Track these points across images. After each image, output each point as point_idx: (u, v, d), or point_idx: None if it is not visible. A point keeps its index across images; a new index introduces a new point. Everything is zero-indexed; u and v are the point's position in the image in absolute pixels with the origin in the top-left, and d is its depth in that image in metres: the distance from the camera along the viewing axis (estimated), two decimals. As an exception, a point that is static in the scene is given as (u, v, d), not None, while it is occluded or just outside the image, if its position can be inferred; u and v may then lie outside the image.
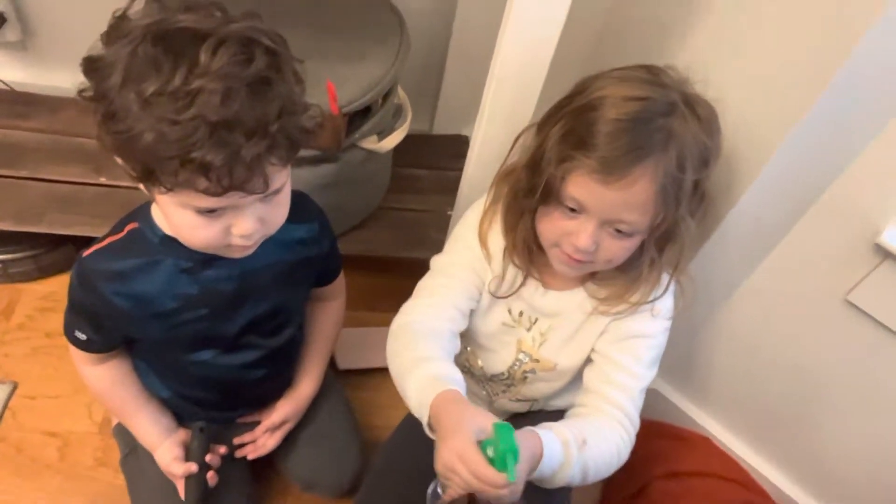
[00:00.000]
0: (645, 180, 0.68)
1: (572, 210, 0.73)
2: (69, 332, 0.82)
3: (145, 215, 0.75)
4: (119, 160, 0.65)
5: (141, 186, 0.66)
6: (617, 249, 0.74)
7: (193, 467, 0.86)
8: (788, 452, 1.11)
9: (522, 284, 0.84)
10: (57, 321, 1.14)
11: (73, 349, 0.84)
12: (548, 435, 0.70)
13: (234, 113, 0.57)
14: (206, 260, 0.75)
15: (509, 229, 0.82)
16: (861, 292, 0.87)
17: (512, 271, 0.84)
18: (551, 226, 0.76)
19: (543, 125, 0.77)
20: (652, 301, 0.81)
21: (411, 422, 0.91)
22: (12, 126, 1.26)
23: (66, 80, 1.29)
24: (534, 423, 0.74)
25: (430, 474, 0.69)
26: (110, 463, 1.08)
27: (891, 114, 0.76)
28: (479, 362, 0.93)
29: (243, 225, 0.66)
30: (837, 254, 0.88)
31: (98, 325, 0.79)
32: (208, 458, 0.88)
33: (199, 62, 0.57)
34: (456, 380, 0.72)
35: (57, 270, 1.28)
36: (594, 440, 0.74)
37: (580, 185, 0.70)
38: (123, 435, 1.01)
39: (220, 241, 0.68)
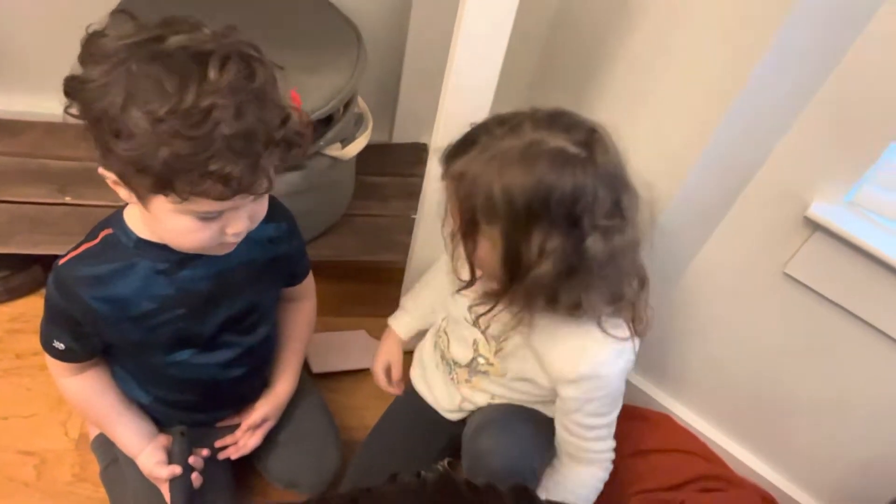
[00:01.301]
0: None
1: None
2: (47, 344, 0.82)
3: (118, 221, 0.77)
4: (114, 175, 0.66)
5: (130, 196, 0.68)
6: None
7: (178, 469, 0.88)
8: (745, 424, 1.17)
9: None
10: (27, 342, 1.14)
11: (50, 362, 0.85)
12: None
13: (248, 125, 0.61)
14: (182, 261, 0.77)
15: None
16: (796, 264, 0.95)
17: None
18: None
19: None
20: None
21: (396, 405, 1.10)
22: (-26, 150, 1.26)
23: (26, 103, 1.31)
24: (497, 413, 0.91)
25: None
26: (89, 478, 1.08)
27: (809, 97, 0.84)
28: (447, 343, 0.98)
29: (238, 224, 0.70)
30: (773, 230, 0.95)
31: (77, 333, 0.80)
32: (191, 460, 0.90)
33: (207, 79, 0.60)
34: (411, 319, 1.08)
35: (26, 292, 1.27)
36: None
37: None
38: (103, 448, 1.02)
39: (213, 241, 0.71)
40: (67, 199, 1.23)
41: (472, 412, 1.00)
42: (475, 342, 0.92)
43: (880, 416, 0.99)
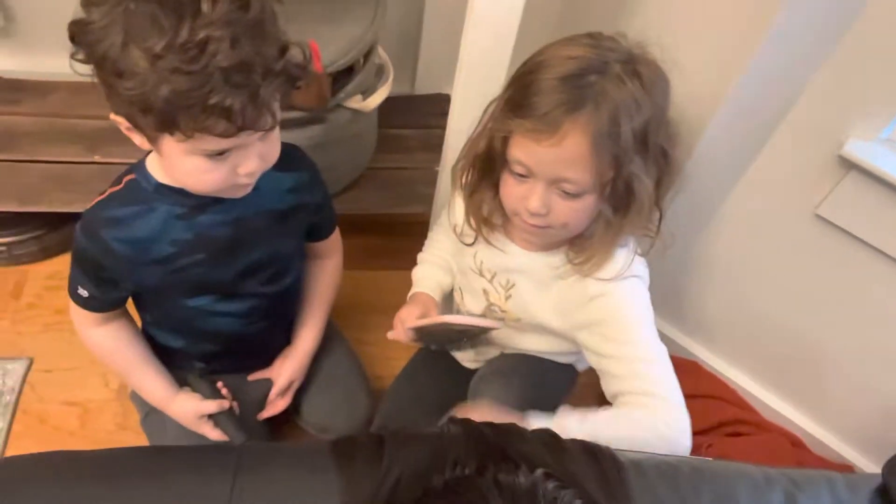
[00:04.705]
0: (575, 135, 0.70)
1: (521, 175, 0.76)
2: (73, 290, 0.85)
3: (140, 167, 0.79)
4: (124, 119, 0.67)
5: (143, 141, 0.70)
6: (569, 211, 0.76)
7: (226, 403, 0.90)
8: (777, 370, 1.17)
9: (474, 243, 0.89)
10: (66, 298, 1.17)
11: (75, 313, 0.87)
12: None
13: (244, 56, 0.61)
14: (199, 206, 0.79)
15: (467, 194, 0.87)
16: (829, 205, 0.93)
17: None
18: (507, 192, 0.80)
19: (500, 96, 0.80)
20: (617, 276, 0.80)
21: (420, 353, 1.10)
22: (5, 112, 1.29)
23: (51, 63, 1.32)
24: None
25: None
26: (130, 426, 1.13)
27: (841, 31, 0.80)
28: (461, 297, 0.98)
29: (249, 164, 0.71)
30: (805, 170, 0.93)
31: (100, 278, 0.82)
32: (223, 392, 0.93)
33: (201, 13, 0.60)
34: (433, 284, 0.98)
35: (60, 250, 1.31)
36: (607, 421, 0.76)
37: (519, 147, 0.74)
38: (141, 397, 1.05)
39: (227, 182, 0.72)
40: (97, 158, 1.25)
41: (485, 363, 1.01)
42: (485, 291, 0.93)
43: (915, 359, 0.98)
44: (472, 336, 0.98)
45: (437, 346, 1.06)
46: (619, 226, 0.78)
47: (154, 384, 0.93)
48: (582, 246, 0.81)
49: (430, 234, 1.06)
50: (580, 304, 0.82)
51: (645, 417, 0.75)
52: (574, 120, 0.70)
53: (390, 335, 0.93)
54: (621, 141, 0.71)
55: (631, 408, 0.76)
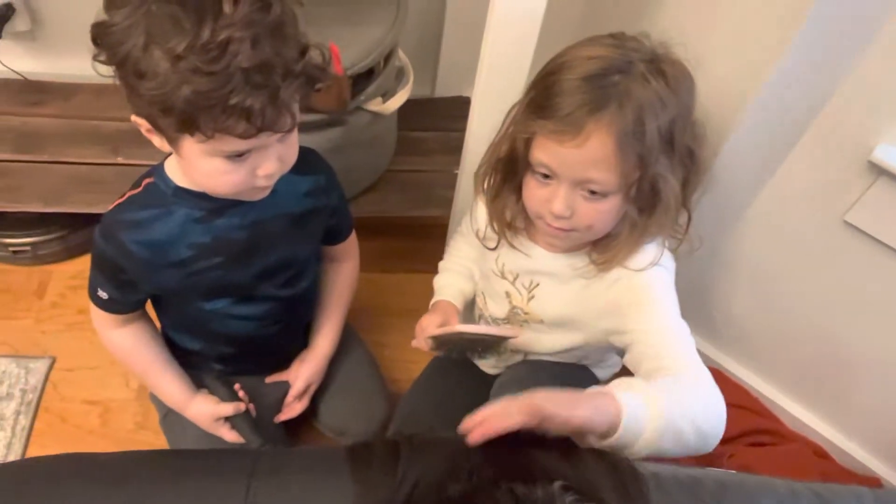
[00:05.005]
0: (600, 135, 0.69)
1: (545, 177, 0.75)
2: (93, 293, 0.86)
3: (159, 170, 0.80)
4: (144, 121, 0.68)
5: (163, 142, 0.70)
6: (593, 213, 0.75)
7: (241, 406, 0.91)
8: (802, 378, 1.14)
9: (497, 247, 0.88)
10: (88, 298, 1.19)
11: (95, 315, 0.88)
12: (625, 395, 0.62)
13: (265, 57, 0.61)
14: (217, 209, 0.79)
15: (490, 199, 0.87)
16: (858, 212, 0.90)
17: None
18: (530, 195, 0.79)
19: (522, 98, 0.79)
20: (644, 267, 0.79)
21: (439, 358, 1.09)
22: (30, 114, 1.31)
23: (75, 66, 1.34)
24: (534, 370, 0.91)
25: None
26: (150, 425, 1.14)
27: (872, 32, 0.78)
28: (484, 302, 0.97)
29: (268, 165, 0.71)
30: (833, 176, 0.91)
31: (119, 280, 0.82)
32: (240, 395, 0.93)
33: (222, 13, 0.60)
34: (455, 292, 0.97)
35: (83, 251, 1.33)
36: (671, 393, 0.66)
37: (542, 148, 0.73)
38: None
39: (246, 184, 0.72)
40: (119, 160, 1.27)
41: (505, 369, 1.00)
42: (507, 294, 0.92)
43: (946, 370, 0.95)
44: (490, 346, 0.98)
45: (458, 354, 1.05)
46: (645, 227, 0.77)
47: (172, 386, 0.94)
48: (606, 247, 0.81)
49: (451, 243, 1.05)
50: (603, 290, 0.82)
51: (695, 387, 0.69)
52: (598, 120, 0.69)
53: (413, 343, 0.92)
54: (646, 140, 0.70)
55: (676, 376, 0.70)
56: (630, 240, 0.78)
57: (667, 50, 0.73)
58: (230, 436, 0.92)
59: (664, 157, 0.73)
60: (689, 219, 0.79)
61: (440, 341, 0.89)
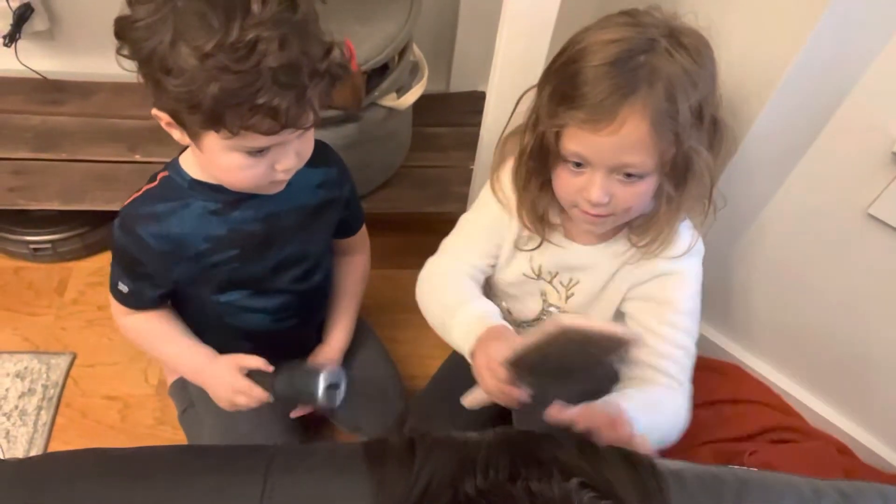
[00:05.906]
0: (635, 119, 0.68)
1: (578, 165, 0.74)
2: (113, 286, 0.86)
3: (174, 164, 0.81)
4: (166, 114, 0.68)
5: (183, 136, 0.70)
6: (631, 196, 0.74)
7: (265, 363, 0.86)
8: (824, 373, 1.12)
9: (540, 244, 0.86)
10: (108, 294, 1.20)
11: (113, 305, 0.89)
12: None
13: (292, 57, 0.62)
14: (233, 202, 0.79)
15: (518, 191, 0.84)
16: (882, 204, 0.88)
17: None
18: (562, 185, 0.78)
19: (539, 86, 0.78)
20: (681, 254, 0.81)
21: (457, 355, 0.97)
22: (49, 112, 1.32)
23: (93, 65, 1.35)
24: None
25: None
26: (169, 421, 1.15)
27: (892, 29, 0.76)
28: (506, 305, 0.96)
29: (287, 160, 0.72)
30: (856, 168, 0.89)
31: (136, 273, 0.83)
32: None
33: (251, 12, 0.60)
34: (496, 314, 0.81)
35: (102, 248, 1.34)
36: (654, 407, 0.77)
37: (574, 139, 0.72)
38: (180, 393, 1.07)
39: (265, 179, 0.73)
40: (137, 157, 1.28)
41: None
42: (543, 293, 0.91)
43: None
44: (594, 362, 0.73)
45: (539, 389, 0.70)
46: (680, 200, 0.77)
47: (192, 350, 0.90)
48: (645, 227, 0.80)
49: (443, 281, 0.89)
50: (644, 279, 0.83)
51: (668, 400, 0.80)
52: (631, 104, 0.68)
53: (466, 403, 0.77)
54: (680, 117, 0.69)
55: (653, 386, 0.80)
56: (668, 215, 0.78)
57: (680, 21, 0.73)
58: (253, 391, 0.86)
59: (695, 130, 0.72)
60: (712, 184, 0.78)
61: (523, 365, 0.67)
